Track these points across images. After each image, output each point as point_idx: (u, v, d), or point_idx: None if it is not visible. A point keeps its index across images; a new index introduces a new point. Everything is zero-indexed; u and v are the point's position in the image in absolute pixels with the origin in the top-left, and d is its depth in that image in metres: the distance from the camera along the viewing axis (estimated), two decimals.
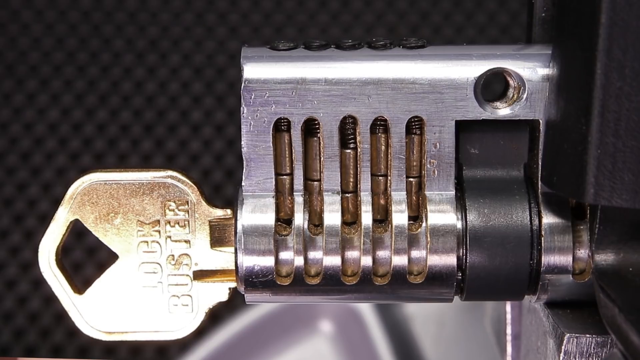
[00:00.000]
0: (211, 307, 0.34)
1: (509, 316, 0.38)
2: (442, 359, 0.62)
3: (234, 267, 0.33)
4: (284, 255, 0.32)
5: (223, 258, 0.33)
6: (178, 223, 0.33)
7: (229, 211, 0.33)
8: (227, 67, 0.76)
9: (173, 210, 0.33)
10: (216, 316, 0.68)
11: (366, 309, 0.61)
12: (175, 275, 0.33)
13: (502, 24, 0.77)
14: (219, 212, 0.33)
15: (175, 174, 0.33)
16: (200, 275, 0.34)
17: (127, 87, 0.75)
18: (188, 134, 0.74)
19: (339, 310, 0.63)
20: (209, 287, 0.34)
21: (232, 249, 0.33)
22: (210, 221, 0.33)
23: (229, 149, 0.73)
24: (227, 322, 0.62)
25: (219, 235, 0.33)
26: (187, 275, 0.34)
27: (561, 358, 0.31)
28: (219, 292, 0.34)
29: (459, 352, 0.62)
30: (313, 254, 0.32)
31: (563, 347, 0.31)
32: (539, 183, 0.32)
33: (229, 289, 0.34)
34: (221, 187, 0.73)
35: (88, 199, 0.33)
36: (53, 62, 0.76)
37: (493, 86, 0.34)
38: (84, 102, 0.75)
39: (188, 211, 0.33)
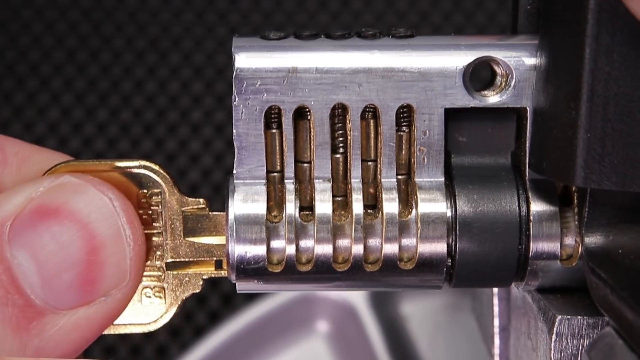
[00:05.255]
0: (184, 298, 0.34)
1: (496, 308, 0.38)
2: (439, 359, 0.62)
3: (207, 258, 0.33)
4: (276, 242, 0.33)
5: (196, 249, 0.34)
6: (151, 213, 0.33)
7: (201, 201, 0.33)
8: (227, 67, 0.76)
9: (146, 201, 0.33)
10: (215, 316, 0.68)
11: (363, 309, 0.61)
12: (148, 266, 0.34)
13: (502, 24, 0.77)
14: (191, 202, 0.33)
15: (147, 164, 0.33)
16: (173, 266, 0.34)
17: (127, 87, 0.75)
18: (188, 134, 0.74)
19: (335, 310, 0.63)
20: (183, 278, 0.34)
21: (205, 239, 0.33)
22: (183, 211, 0.33)
23: (229, 149, 0.74)
24: (226, 322, 0.63)
25: (192, 226, 0.33)
26: (160, 266, 0.34)
27: (553, 340, 0.32)
28: (192, 283, 0.34)
29: (456, 353, 0.62)
30: (304, 242, 0.33)
31: (555, 329, 0.32)
32: (526, 170, 0.33)
33: (202, 279, 0.34)
34: (221, 187, 0.73)
35: None
36: (53, 61, 0.76)
37: (481, 77, 0.34)
38: (84, 101, 0.75)
39: (161, 202, 0.33)
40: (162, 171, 0.33)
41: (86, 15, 0.78)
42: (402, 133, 0.33)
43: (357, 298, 0.61)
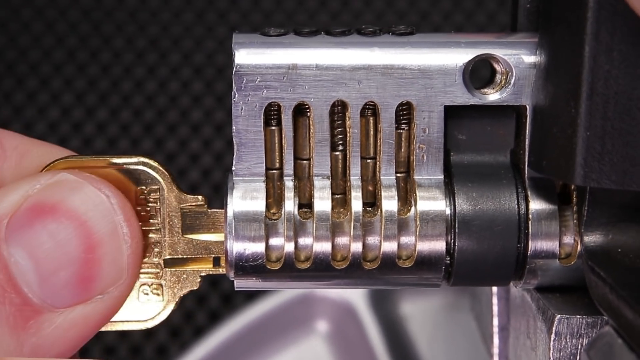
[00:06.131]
0: (182, 295, 0.34)
1: (495, 308, 0.38)
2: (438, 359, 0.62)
3: (205, 255, 0.33)
4: (274, 240, 0.33)
5: (194, 246, 0.34)
6: (149, 210, 0.33)
7: (200, 198, 0.33)
8: (227, 67, 0.76)
9: (144, 197, 0.33)
10: (215, 316, 0.68)
11: (362, 309, 0.61)
12: (145, 262, 0.33)
13: (502, 23, 0.77)
14: (190, 199, 0.33)
15: (146, 160, 0.33)
16: (171, 263, 0.34)
17: (127, 87, 0.75)
18: (188, 133, 0.74)
19: (335, 310, 0.63)
20: (180, 275, 0.34)
21: (203, 237, 0.33)
22: (181, 208, 0.33)
23: (229, 148, 0.74)
24: (226, 322, 0.63)
25: (190, 223, 0.33)
26: (158, 263, 0.34)
27: (552, 340, 0.32)
28: (190, 280, 0.34)
29: (455, 352, 0.62)
30: (303, 239, 0.33)
31: (554, 328, 0.32)
32: (525, 168, 0.32)
33: (200, 277, 0.34)
34: (221, 186, 0.73)
35: None
36: (53, 61, 0.76)
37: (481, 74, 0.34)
38: (84, 101, 0.75)
39: (159, 198, 0.33)
40: (160, 167, 0.33)
41: (86, 15, 0.78)
42: (401, 130, 0.33)
43: (357, 297, 0.61)
